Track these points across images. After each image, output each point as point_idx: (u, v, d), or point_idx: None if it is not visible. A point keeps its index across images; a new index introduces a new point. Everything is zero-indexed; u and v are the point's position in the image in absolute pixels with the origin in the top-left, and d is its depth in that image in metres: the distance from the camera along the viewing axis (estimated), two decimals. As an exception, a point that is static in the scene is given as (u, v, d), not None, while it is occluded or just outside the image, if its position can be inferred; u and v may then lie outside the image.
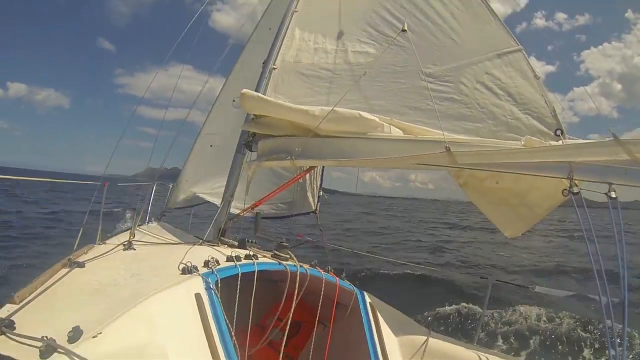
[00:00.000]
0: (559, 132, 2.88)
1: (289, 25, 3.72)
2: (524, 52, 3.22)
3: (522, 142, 2.65)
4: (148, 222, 4.43)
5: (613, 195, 1.93)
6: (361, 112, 2.89)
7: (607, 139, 1.94)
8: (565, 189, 2.16)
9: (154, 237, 3.30)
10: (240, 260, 2.28)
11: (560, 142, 2.83)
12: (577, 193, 2.13)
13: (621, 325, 1.85)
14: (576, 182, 2.10)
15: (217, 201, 4.59)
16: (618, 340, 1.97)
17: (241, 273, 2.12)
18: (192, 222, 5.69)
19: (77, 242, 2.73)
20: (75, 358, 1.29)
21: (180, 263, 2.07)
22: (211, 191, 5.15)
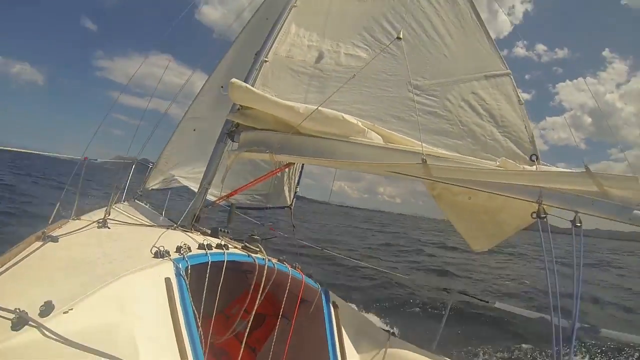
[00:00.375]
0: (534, 158, 2.95)
1: (286, 19, 3.70)
2: (511, 76, 3.29)
3: (498, 163, 2.70)
4: (123, 202, 4.41)
5: (578, 223, 1.99)
6: (344, 115, 2.90)
7: (579, 170, 2.01)
8: (535, 212, 2.21)
9: (129, 217, 3.29)
10: (212, 249, 2.30)
11: (534, 168, 2.90)
12: (544, 217, 2.19)
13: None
14: (544, 207, 2.15)
15: (194, 186, 4.54)
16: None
17: (211, 261, 2.14)
18: (167, 204, 5.60)
19: (52, 216, 2.74)
20: (46, 332, 1.30)
21: (153, 246, 2.09)
22: (188, 175, 5.08)
